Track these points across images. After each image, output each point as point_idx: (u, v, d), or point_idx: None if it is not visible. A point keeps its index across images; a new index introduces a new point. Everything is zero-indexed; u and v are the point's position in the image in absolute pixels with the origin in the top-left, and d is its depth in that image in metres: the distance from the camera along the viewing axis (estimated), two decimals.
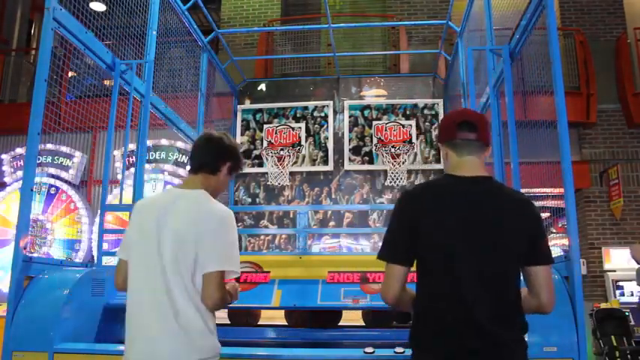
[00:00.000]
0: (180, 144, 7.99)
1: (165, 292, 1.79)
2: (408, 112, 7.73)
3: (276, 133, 7.84)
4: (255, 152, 7.82)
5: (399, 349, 2.48)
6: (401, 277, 1.61)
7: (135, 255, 1.90)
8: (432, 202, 1.63)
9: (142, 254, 1.87)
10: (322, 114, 7.88)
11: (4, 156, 8.41)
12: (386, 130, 7.66)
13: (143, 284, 1.84)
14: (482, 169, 1.68)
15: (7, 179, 8.33)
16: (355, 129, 7.77)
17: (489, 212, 1.59)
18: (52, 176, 8.19)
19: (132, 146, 5.29)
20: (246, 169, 7.79)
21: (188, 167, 2.13)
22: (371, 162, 7.65)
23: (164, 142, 8.03)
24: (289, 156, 7.71)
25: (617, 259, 7.42)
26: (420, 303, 1.63)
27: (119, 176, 7.92)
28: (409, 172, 7.47)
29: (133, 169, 5.48)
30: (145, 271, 1.85)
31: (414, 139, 7.57)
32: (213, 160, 2.01)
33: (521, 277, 1.65)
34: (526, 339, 1.64)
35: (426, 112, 7.70)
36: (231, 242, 1.89)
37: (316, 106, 7.91)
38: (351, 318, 3.65)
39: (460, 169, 1.68)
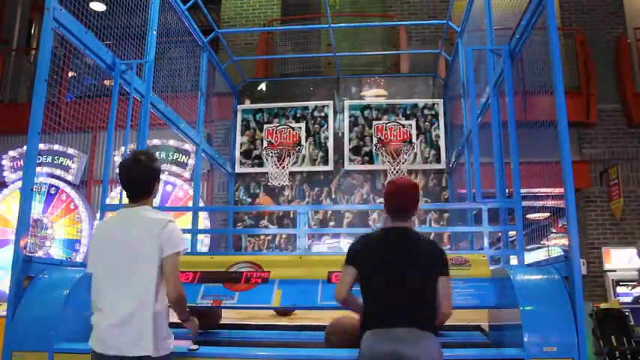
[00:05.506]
0: (179, 144, 7.98)
1: None
2: (408, 112, 7.73)
3: (276, 133, 7.84)
4: (255, 152, 7.82)
5: None
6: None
7: None
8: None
9: None
10: (322, 114, 7.88)
11: (4, 156, 8.41)
12: (386, 130, 7.67)
13: None
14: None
15: (7, 179, 8.33)
16: (355, 129, 7.77)
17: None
18: (52, 176, 8.18)
19: (132, 146, 5.29)
20: (246, 169, 7.79)
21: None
22: (371, 162, 7.65)
23: (164, 142, 8.03)
24: (289, 156, 7.71)
25: (617, 259, 7.42)
26: None
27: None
28: (409, 172, 7.47)
29: None
30: None
31: (414, 139, 7.57)
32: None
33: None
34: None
35: (426, 112, 7.71)
36: None
37: (316, 106, 7.92)
38: None
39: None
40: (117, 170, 2.59)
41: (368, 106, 7.84)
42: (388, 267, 2.36)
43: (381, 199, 8.57)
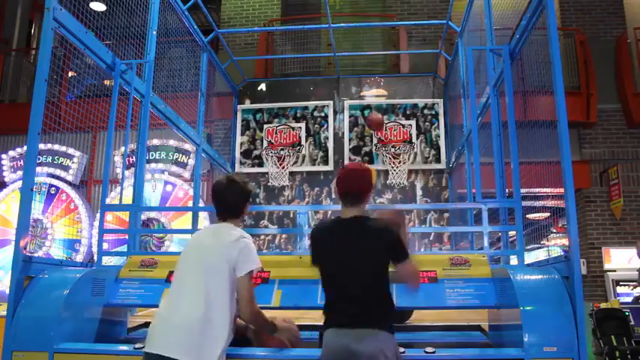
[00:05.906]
0: (179, 144, 7.99)
1: None
2: (408, 112, 7.73)
3: (276, 133, 7.84)
4: (255, 152, 7.82)
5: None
6: None
7: None
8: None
9: None
10: (322, 114, 7.88)
11: (4, 156, 8.41)
12: (386, 130, 7.66)
13: None
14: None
15: (7, 179, 8.33)
16: (355, 129, 7.78)
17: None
18: (52, 176, 8.19)
19: (132, 146, 5.29)
20: (247, 169, 7.79)
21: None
22: (371, 162, 7.64)
23: (164, 142, 8.03)
24: (289, 156, 7.71)
25: (617, 259, 7.42)
26: None
27: (119, 176, 7.92)
28: (409, 171, 7.48)
29: (133, 169, 5.48)
30: None
31: (414, 139, 7.57)
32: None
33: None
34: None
35: (426, 112, 7.70)
36: None
37: (316, 106, 7.91)
38: None
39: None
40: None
41: (368, 106, 7.84)
42: (340, 262, 2.34)
43: (381, 200, 8.57)
